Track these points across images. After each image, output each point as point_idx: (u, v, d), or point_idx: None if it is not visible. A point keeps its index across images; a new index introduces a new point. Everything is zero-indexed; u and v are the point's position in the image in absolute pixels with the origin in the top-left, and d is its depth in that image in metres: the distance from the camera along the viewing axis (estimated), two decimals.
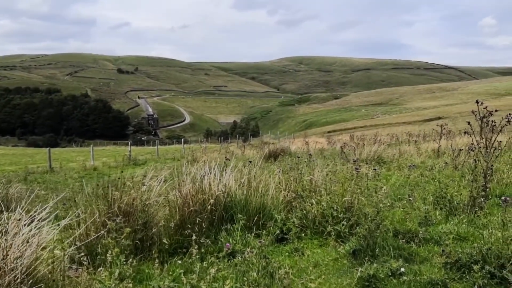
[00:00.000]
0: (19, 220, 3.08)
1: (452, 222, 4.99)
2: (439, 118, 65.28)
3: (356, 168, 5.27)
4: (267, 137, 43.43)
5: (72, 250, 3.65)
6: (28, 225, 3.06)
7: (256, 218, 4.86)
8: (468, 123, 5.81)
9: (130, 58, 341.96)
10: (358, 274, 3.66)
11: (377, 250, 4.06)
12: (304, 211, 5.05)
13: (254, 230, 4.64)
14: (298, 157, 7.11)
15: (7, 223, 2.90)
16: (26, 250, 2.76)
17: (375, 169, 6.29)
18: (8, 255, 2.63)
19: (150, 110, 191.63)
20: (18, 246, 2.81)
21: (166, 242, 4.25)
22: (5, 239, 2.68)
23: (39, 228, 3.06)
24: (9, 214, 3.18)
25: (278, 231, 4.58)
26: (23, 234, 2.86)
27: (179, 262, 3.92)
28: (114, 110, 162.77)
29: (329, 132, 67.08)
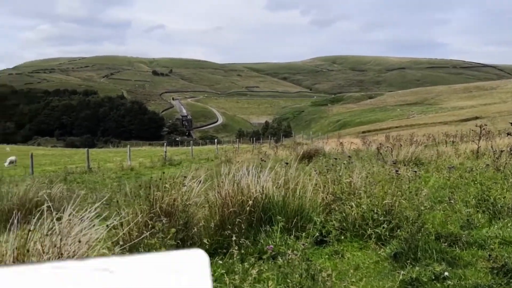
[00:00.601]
0: (70, 220, 3.22)
1: (496, 226, 4.86)
2: (477, 118, 63.23)
3: (396, 170, 5.20)
4: (300, 138, 43.22)
5: (117, 249, 3.77)
6: (78, 225, 3.19)
7: (294, 220, 4.87)
8: (511, 123, 5.63)
9: (164, 60, 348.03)
10: (400, 277, 3.62)
11: (419, 253, 4.00)
12: (344, 214, 5.02)
13: (293, 232, 4.65)
14: (336, 159, 7.06)
15: (60, 223, 3.04)
16: (78, 249, 2.88)
17: (415, 171, 6.18)
18: (63, 254, 2.76)
19: (184, 111, 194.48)
20: (70, 245, 2.94)
21: (207, 243, 4.33)
22: (60, 238, 2.80)
23: (89, 228, 3.19)
24: (60, 214, 3.32)
25: (317, 234, 4.59)
26: (75, 234, 2.98)
27: (220, 262, 3.98)
28: (149, 112, 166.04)
29: (363, 132, 66.11)
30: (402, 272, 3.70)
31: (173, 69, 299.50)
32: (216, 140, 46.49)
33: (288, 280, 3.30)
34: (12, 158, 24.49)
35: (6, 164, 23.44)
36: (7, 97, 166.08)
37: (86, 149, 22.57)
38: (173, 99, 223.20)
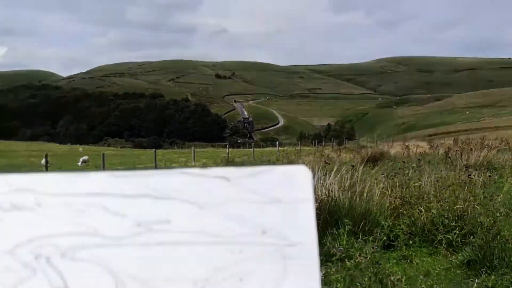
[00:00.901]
0: None
1: None
2: None
3: (469, 175, 5.02)
4: (363, 141, 42.31)
5: None
6: None
7: (361, 223, 4.85)
8: None
9: (227, 63, 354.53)
10: (475, 285, 3.51)
11: (495, 261, 3.85)
12: (412, 218, 4.93)
13: (360, 236, 4.63)
14: (404, 162, 6.91)
15: None
16: None
17: (489, 176, 5.91)
18: None
19: (246, 113, 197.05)
20: None
21: None
22: None
23: None
24: None
25: (385, 238, 4.55)
26: None
27: None
28: (212, 114, 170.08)
29: (430, 135, 63.38)
30: (476, 280, 3.59)
31: (235, 72, 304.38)
32: (277, 142, 46.65)
33: (357, 283, 3.31)
34: (85, 157, 26.00)
35: (79, 163, 24.96)
36: (80, 100, 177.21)
37: (153, 150, 23.58)
38: (235, 101, 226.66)
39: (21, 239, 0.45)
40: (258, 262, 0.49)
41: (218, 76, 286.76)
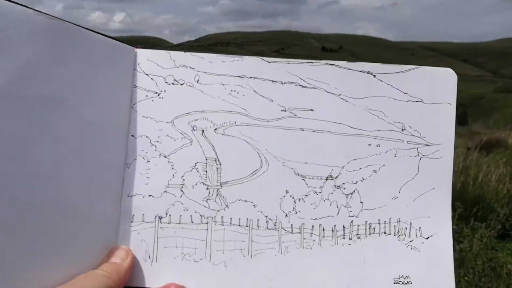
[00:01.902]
0: None
1: None
2: None
3: None
4: (477, 126, 39.04)
5: None
6: None
7: (474, 209, 4.54)
8: None
9: (335, 36, 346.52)
10: None
11: None
12: None
13: (471, 221, 4.35)
14: None
15: None
16: None
17: None
18: None
19: None
20: None
21: None
22: None
23: None
24: None
25: (499, 226, 4.22)
26: None
27: None
28: None
29: None
30: None
31: (343, 45, 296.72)
32: None
33: (469, 266, 3.13)
34: None
35: None
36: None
37: None
38: None
39: (181, 111, 0.49)
40: (394, 157, 0.51)
41: (324, 49, 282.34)
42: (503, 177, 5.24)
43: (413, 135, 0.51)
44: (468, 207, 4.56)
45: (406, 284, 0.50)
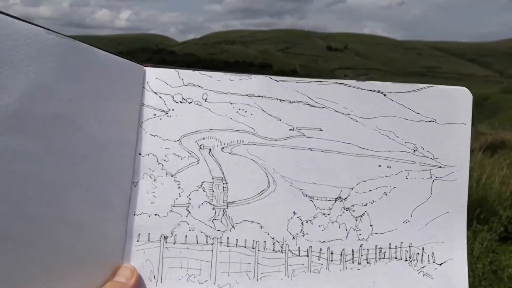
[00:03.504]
0: None
1: None
2: None
3: None
4: (482, 127, 38.87)
5: None
6: None
7: (476, 211, 4.52)
8: None
9: (340, 35, 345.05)
10: None
11: None
12: None
13: (473, 224, 4.32)
14: None
15: None
16: None
17: None
18: None
19: None
20: None
21: None
22: None
23: None
24: None
25: (502, 229, 4.19)
26: None
27: None
28: None
29: None
30: None
31: (348, 44, 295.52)
32: None
33: (469, 269, 3.11)
34: None
35: None
36: (191, 66, 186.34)
37: None
38: (345, 75, 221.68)
39: (188, 129, 0.49)
40: (406, 179, 0.50)
41: (329, 48, 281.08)
42: (507, 179, 5.22)
43: (426, 157, 0.50)
44: (470, 210, 4.54)
45: None
